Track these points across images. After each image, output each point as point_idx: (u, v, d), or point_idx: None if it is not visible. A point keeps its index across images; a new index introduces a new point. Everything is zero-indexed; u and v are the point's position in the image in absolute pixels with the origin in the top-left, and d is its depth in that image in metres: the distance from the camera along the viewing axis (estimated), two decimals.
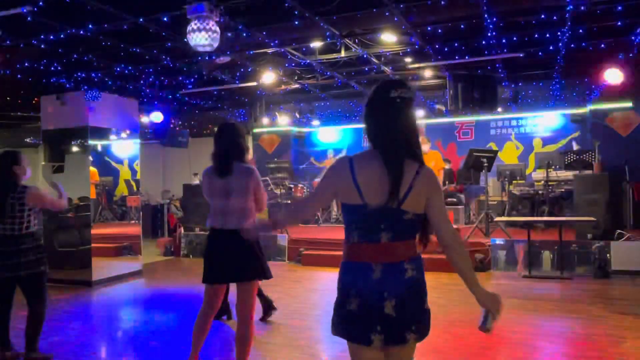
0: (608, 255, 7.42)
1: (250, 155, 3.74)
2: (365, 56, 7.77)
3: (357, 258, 2.07)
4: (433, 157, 8.89)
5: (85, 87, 8.30)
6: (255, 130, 15.29)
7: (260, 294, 5.27)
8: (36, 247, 4.01)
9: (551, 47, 7.40)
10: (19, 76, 8.21)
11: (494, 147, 12.88)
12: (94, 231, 7.71)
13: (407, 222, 2.04)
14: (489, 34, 6.71)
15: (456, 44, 7.35)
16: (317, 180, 12.61)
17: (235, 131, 3.60)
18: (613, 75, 7.93)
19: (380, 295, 2.01)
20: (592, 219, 7.44)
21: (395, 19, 6.19)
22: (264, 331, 5.06)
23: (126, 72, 8.23)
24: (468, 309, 5.69)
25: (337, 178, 2.10)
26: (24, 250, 3.90)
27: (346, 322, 2.07)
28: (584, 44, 7.28)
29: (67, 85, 8.63)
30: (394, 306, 2.00)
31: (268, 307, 5.39)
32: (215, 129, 3.74)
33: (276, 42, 7.06)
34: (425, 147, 8.90)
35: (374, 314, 2.01)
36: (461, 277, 2.10)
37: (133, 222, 8.94)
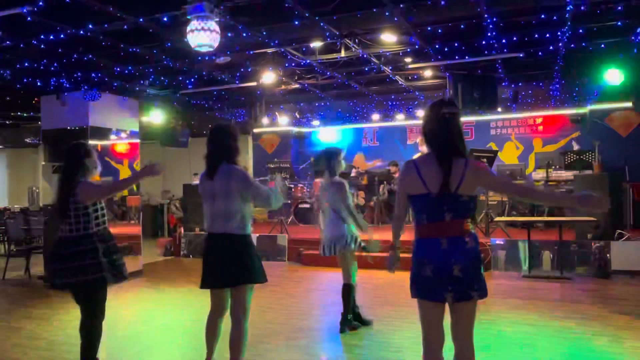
0: (608, 255, 7.42)
1: (243, 160, 3.58)
2: (365, 56, 7.76)
3: (428, 235, 2.64)
4: None
5: (86, 87, 8.29)
6: (255, 130, 15.30)
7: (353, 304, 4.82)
8: (94, 249, 3.52)
9: (551, 47, 7.39)
10: (19, 76, 8.19)
11: (494, 147, 12.88)
12: None
13: (463, 203, 2.61)
14: (489, 34, 6.71)
15: (456, 44, 7.33)
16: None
17: (225, 133, 3.51)
18: (613, 75, 7.93)
19: (449, 261, 2.56)
20: (592, 219, 7.45)
21: (395, 19, 6.18)
22: (264, 331, 5.06)
23: (126, 72, 8.21)
24: None
25: (407, 178, 2.72)
26: (80, 253, 3.47)
27: (424, 286, 2.62)
28: (584, 44, 7.27)
29: (67, 85, 8.61)
30: (460, 270, 2.55)
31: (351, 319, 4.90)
32: None
33: (276, 42, 7.05)
34: (424, 147, 8.87)
35: (445, 276, 2.56)
36: (556, 203, 2.72)
37: (133, 222, 8.94)
